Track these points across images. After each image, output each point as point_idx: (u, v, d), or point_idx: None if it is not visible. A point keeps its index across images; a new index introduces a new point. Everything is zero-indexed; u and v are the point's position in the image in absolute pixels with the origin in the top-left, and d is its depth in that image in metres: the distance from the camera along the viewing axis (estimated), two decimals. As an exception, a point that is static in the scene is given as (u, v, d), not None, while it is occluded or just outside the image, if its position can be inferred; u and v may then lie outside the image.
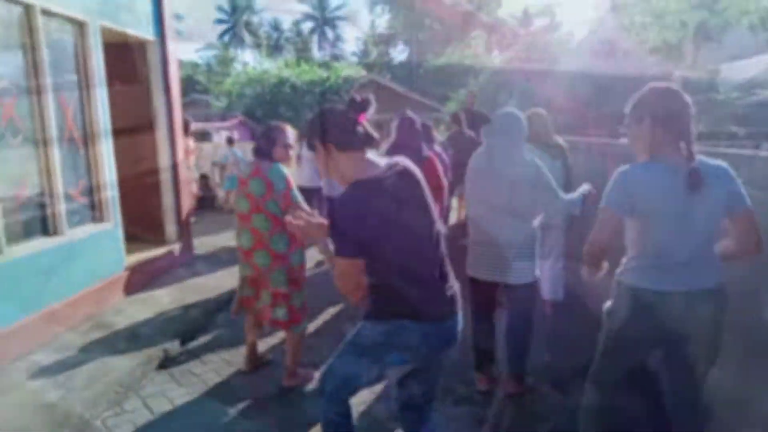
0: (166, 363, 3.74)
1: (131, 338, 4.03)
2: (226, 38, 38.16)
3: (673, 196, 1.96)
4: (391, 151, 4.17)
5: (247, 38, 37.78)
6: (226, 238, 7.04)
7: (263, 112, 17.07)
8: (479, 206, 3.12)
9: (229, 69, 27.97)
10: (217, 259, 6.32)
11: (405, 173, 1.96)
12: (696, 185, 1.92)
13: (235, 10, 39.00)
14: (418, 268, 1.92)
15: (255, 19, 39.21)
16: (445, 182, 4.21)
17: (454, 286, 2.02)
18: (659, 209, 1.98)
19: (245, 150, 9.93)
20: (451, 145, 7.13)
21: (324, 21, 41.22)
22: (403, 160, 2.02)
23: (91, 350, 3.81)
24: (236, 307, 3.45)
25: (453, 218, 7.87)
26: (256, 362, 3.62)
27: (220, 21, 39.86)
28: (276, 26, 40.02)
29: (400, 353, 1.95)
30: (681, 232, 1.98)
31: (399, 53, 35.69)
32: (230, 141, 9.92)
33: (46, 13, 4.07)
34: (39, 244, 4.03)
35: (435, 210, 2.04)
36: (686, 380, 2.08)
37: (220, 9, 39.72)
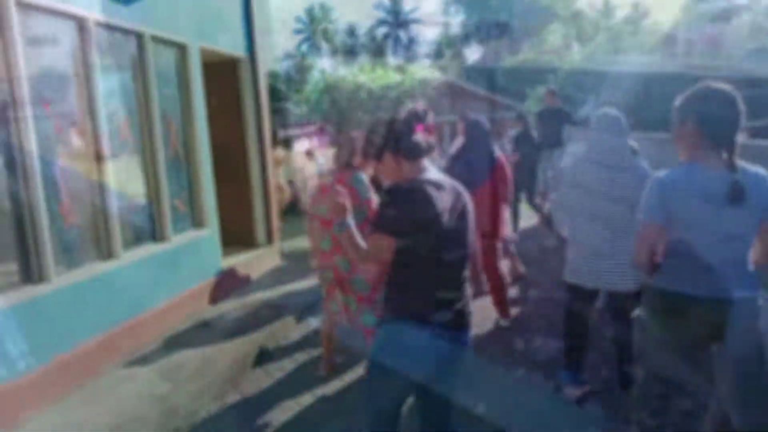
0: (262, 359, 4.00)
1: (229, 336, 4.32)
2: (304, 47, 39.48)
3: (709, 203, 1.91)
4: (460, 154, 4.19)
5: (324, 46, 38.89)
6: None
7: (341, 118, 17.48)
8: (583, 211, 3.04)
9: (307, 77, 28.87)
10: (304, 262, 6.61)
11: (456, 189, 2.09)
12: (737, 198, 1.86)
13: (312, 20, 40.31)
14: (441, 273, 1.99)
15: (331, 27, 40.30)
16: (512, 185, 4.22)
17: (470, 304, 2.10)
18: (694, 215, 1.93)
19: (326, 156, 10.23)
20: (515, 146, 7.06)
21: (398, 25, 41.62)
22: (457, 183, 2.14)
23: (195, 347, 4.13)
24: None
25: (527, 220, 7.74)
26: (333, 366, 3.75)
27: (298, 31, 41.32)
28: (351, 32, 40.87)
29: (411, 358, 1.96)
30: (716, 238, 1.92)
31: (473, 53, 35.33)
32: (309, 154, 10.14)
33: (155, 39, 4.48)
34: (148, 249, 4.43)
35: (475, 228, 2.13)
36: (729, 387, 1.99)
37: (298, 19, 41.18)
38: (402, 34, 41.69)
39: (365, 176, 3.32)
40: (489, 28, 30.66)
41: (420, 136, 2.05)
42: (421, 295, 1.98)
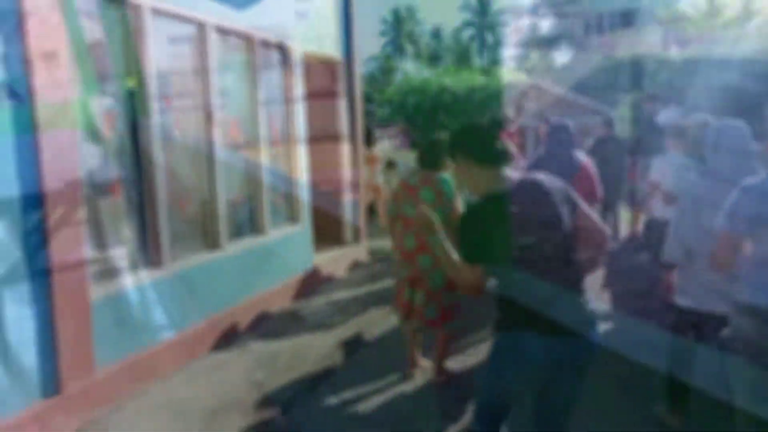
0: (353, 351, 4.10)
1: (322, 327, 4.47)
2: (389, 49, 39.92)
3: None
4: (540, 162, 4.06)
5: (409, 48, 39.15)
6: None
7: (424, 120, 17.48)
8: (705, 230, 2.84)
9: (391, 78, 29.17)
10: (391, 259, 6.69)
11: (534, 189, 2.02)
12: None
13: (397, 21, 40.69)
14: (539, 281, 1.94)
15: (416, 29, 40.48)
16: (600, 193, 4.03)
17: (586, 305, 2.01)
18: None
19: (407, 158, 10.24)
20: (592, 153, 6.68)
21: (484, 26, 41.07)
22: (538, 176, 2.08)
23: (289, 336, 4.31)
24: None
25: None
26: (417, 363, 3.77)
27: (383, 33, 41.86)
28: (436, 34, 40.83)
29: (523, 367, 1.98)
30: None
31: (562, 55, 34.17)
32: (390, 165, 10.09)
33: (263, 43, 4.72)
34: (248, 241, 4.66)
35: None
36: None
37: (384, 21, 41.73)
38: (488, 36, 41.11)
39: (450, 177, 3.35)
40: (585, 28, 29.59)
41: (501, 144, 2.05)
42: (528, 305, 1.93)
